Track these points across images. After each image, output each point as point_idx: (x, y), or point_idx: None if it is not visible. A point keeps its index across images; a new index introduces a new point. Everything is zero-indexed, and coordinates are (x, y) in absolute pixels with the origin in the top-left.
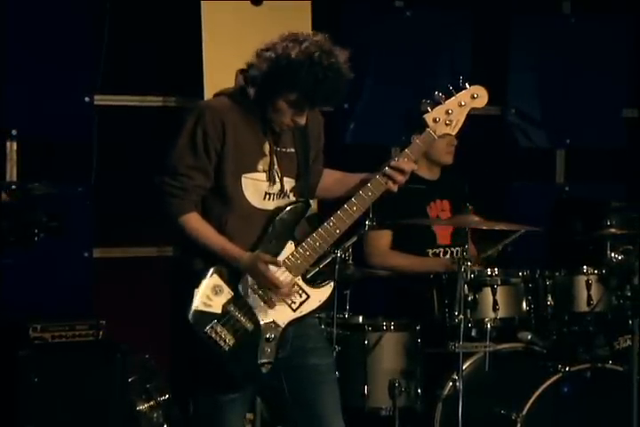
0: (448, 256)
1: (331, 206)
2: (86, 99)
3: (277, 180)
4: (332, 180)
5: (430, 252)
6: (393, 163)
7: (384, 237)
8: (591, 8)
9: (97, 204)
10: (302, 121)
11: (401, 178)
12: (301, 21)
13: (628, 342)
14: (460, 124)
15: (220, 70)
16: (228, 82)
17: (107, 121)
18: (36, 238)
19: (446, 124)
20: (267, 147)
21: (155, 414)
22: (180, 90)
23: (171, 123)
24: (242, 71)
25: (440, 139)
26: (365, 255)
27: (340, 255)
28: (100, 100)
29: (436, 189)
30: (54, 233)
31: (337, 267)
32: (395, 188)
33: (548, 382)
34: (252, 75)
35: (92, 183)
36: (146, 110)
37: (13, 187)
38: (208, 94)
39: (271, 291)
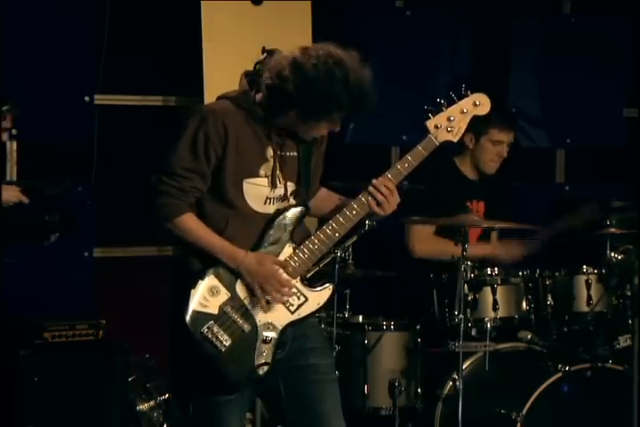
0: None
1: None
2: (86, 98)
3: (280, 185)
4: (329, 202)
5: None
6: (374, 181)
7: (427, 227)
8: (592, 8)
9: (97, 204)
10: (338, 127)
11: (381, 197)
12: (301, 21)
13: (628, 342)
14: (461, 132)
15: (220, 70)
16: (228, 82)
17: (107, 121)
18: (51, 238)
19: (448, 131)
20: (270, 151)
21: (155, 414)
22: (180, 90)
23: (171, 123)
24: (246, 74)
25: (493, 147)
26: (409, 244)
27: (340, 255)
28: (101, 99)
29: (475, 190)
30: (67, 233)
31: (337, 267)
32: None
33: (548, 382)
34: (285, 93)
35: (93, 183)
36: (146, 110)
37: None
38: (208, 94)
39: (272, 292)
